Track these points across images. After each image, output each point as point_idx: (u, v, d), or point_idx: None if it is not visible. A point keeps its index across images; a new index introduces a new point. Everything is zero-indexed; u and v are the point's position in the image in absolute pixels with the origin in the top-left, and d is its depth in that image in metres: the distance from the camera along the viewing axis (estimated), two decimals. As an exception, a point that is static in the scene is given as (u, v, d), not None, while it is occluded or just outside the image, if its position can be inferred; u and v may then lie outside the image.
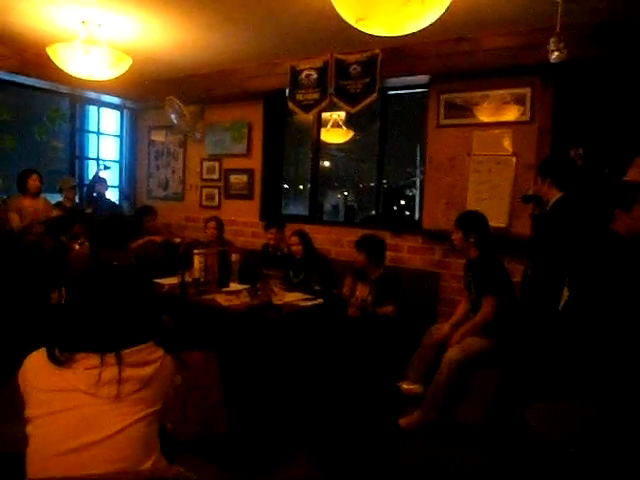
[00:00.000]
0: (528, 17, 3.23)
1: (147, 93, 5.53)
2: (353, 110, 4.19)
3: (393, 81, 4.21)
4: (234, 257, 4.34)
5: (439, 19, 2.63)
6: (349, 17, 2.50)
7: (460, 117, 3.96)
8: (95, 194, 5.24)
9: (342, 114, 5.46)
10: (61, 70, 3.77)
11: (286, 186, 6.78)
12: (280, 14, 3.44)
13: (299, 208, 5.60)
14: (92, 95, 5.53)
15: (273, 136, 5.25)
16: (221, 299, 3.50)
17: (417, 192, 6.37)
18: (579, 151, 2.87)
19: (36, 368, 1.30)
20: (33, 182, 4.54)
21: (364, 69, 4.06)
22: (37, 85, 5.00)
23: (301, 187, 8.13)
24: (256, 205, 5.27)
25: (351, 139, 5.99)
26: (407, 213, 6.24)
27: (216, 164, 5.52)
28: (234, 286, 3.94)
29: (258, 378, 2.98)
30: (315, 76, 4.34)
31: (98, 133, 6.02)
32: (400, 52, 3.92)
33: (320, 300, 3.69)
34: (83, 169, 5.97)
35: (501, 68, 3.63)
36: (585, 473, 1.58)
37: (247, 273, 4.20)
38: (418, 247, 4.24)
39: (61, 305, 2.65)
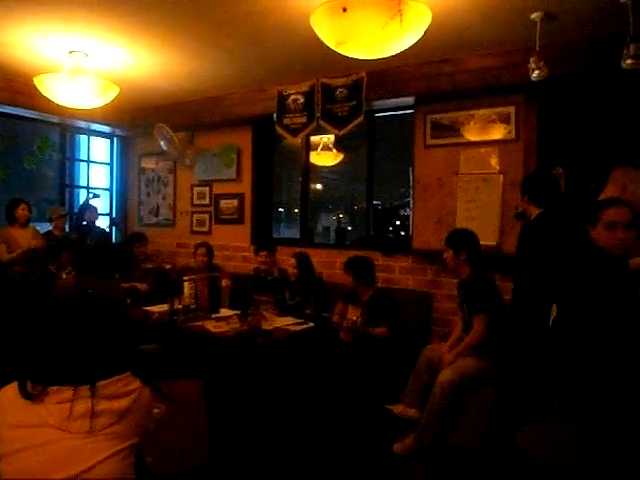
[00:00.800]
0: (509, 37, 3.29)
1: (137, 121, 5.57)
2: (340, 133, 4.22)
3: (379, 103, 4.24)
4: (224, 283, 4.31)
5: (422, 41, 2.67)
6: (330, 41, 2.54)
7: (447, 137, 3.99)
8: (85, 222, 5.22)
9: (331, 137, 5.50)
10: (50, 100, 3.79)
11: (281, 210, 6.77)
12: (265, 41, 3.48)
13: (295, 232, 5.63)
14: (82, 124, 5.55)
15: (262, 160, 5.27)
16: (210, 325, 3.46)
17: (411, 212, 6.36)
18: (559, 170, 2.91)
19: (7, 403, 1.26)
20: (21, 212, 4.51)
21: (350, 92, 4.10)
22: (27, 115, 5.01)
23: (296, 211, 8.17)
24: (247, 229, 5.25)
25: (342, 161, 6.02)
26: (402, 233, 6.23)
27: (206, 189, 5.52)
28: (225, 312, 3.90)
29: (246, 407, 2.92)
30: (302, 100, 4.37)
31: (88, 161, 6.03)
32: (385, 75, 3.96)
33: (311, 324, 3.65)
34: (73, 197, 5.96)
35: (485, 88, 3.67)
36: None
37: (238, 299, 4.16)
38: (409, 267, 4.22)
39: (35, 336, 2.59)
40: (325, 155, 5.72)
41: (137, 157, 6.14)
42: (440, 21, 2.88)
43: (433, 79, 3.80)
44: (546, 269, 2.44)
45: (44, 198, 5.74)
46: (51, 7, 2.99)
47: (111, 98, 3.92)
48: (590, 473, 1.57)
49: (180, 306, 3.74)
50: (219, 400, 2.64)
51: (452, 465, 2.82)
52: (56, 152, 5.57)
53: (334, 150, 5.73)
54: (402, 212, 7.15)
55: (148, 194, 6.05)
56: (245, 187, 5.24)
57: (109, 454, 1.22)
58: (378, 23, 2.30)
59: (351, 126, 4.11)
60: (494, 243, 3.71)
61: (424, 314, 4.04)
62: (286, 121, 4.49)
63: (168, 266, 4.93)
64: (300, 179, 5.15)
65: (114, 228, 6.02)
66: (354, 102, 4.08)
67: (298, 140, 4.73)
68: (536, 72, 2.98)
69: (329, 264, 4.61)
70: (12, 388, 1.27)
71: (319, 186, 8.37)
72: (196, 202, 5.62)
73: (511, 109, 3.72)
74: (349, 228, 8.72)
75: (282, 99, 4.49)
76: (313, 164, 5.39)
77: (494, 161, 3.81)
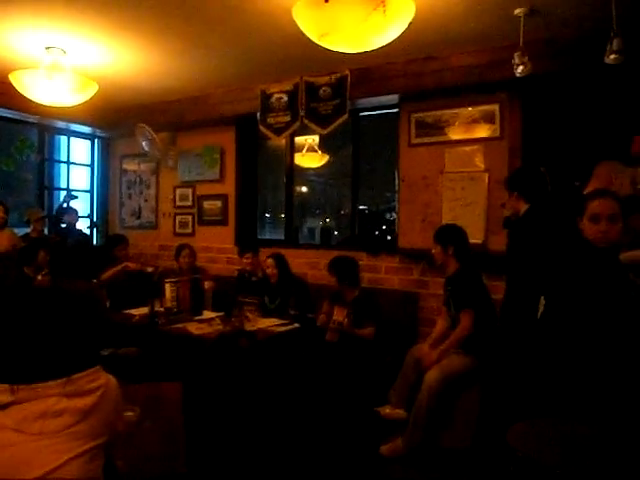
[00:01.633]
0: (493, 33, 3.27)
1: (117, 120, 5.46)
2: (324, 132, 4.17)
3: (364, 102, 4.21)
4: (207, 285, 4.22)
5: (406, 38, 2.64)
6: (312, 34, 2.49)
7: (431, 135, 3.96)
8: (65, 225, 5.09)
9: (316, 138, 5.44)
10: (28, 99, 3.68)
11: (267, 215, 6.68)
12: (248, 38, 3.43)
13: (280, 234, 5.56)
14: (61, 125, 5.43)
15: (246, 160, 5.20)
16: (192, 327, 3.37)
17: (397, 212, 6.33)
18: (543, 170, 2.92)
19: None
20: (-3, 214, 4.38)
21: (334, 91, 4.06)
22: (4, 115, 4.89)
23: (282, 215, 8.08)
24: (231, 231, 5.17)
25: (328, 163, 5.97)
26: (389, 238, 6.18)
27: (189, 191, 5.43)
28: (207, 314, 3.82)
29: (228, 409, 2.83)
30: (285, 99, 4.32)
31: (68, 163, 5.90)
32: (369, 72, 3.93)
33: (296, 325, 3.58)
34: (53, 200, 5.82)
35: (469, 86, 3.65)
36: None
37: (222, 301, 4.07)
38: (395, 267, 4.18)
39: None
40: (310, 157, 5.65)
41: (119, 159, 6.03)
42: (423, 16, 2.86)
43: (417, 77, 3.78)
44: (537, 263, 2.40)
45: (22, 200, 5.59)
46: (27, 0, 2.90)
47: (89, 96, 3.82)
48: (582, 468, 1.52)
49: (162, 309, 3.66)
50: (199, 403, 2.56)
51: (441, 466, 2.76)
52: (34, 153, 5.44)
53: (319, 152, 5.68)
54: (388, 216, 7.12)
55: (130, 196, 5.94)
56: (229, 188, 5.17)
57: (73, 455, 1.13)
58: (361, 14, 2.25)
59: (335, 124, 4.07)
60: (480, 241, 3.68)
61: (410, 314, 4.00)
62: (270, 120, 4.43)
63: (150, 269, 4.82)
64: (285, 180, 5.09)
65: (94, 230, 5.89)
66: (338, 100, 4.04)
67: (282, 140, 4.67)
68: (520, 68, 2.97)
69: (314, 265, 4.55)
70: None
71: (305, 189, 8.29)
72: (179, 204, 5.52)
73: (495, 107, 3.71)
74: (335, 233, 8.67)
75: (266, 98, 4.43)
76: (298, 166, 5.33)
77: (479, 159, 3.79)
